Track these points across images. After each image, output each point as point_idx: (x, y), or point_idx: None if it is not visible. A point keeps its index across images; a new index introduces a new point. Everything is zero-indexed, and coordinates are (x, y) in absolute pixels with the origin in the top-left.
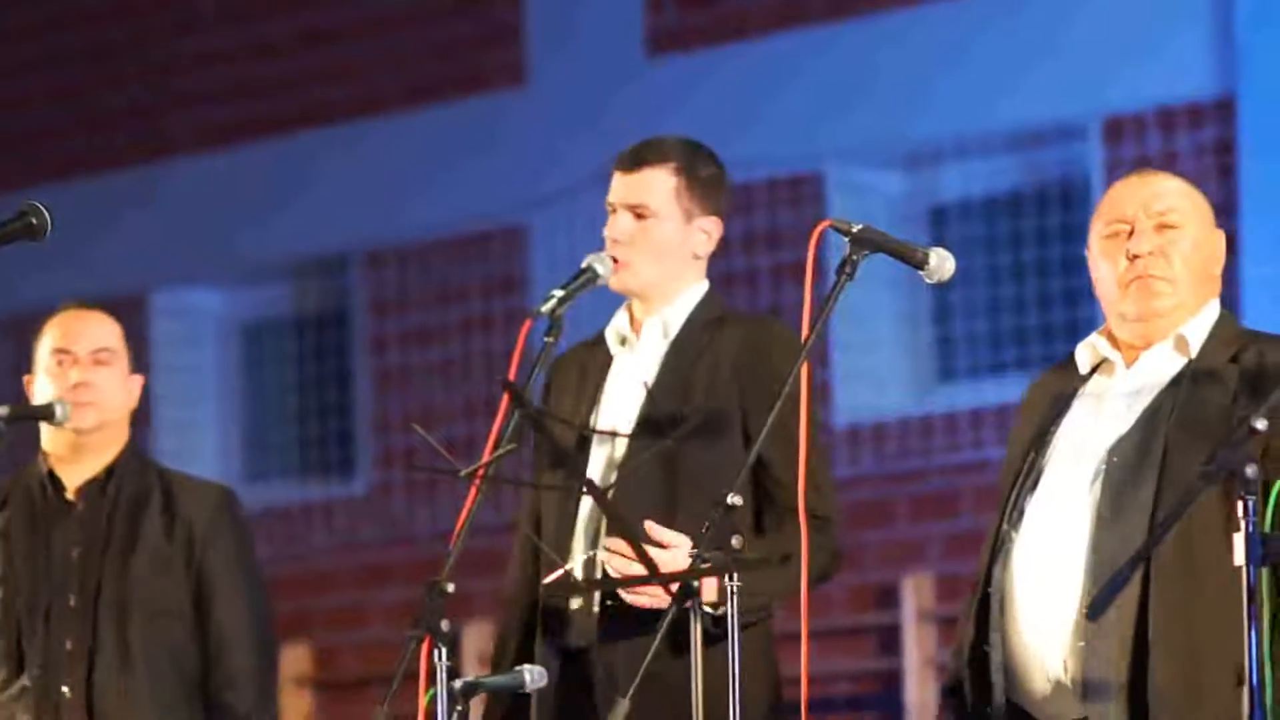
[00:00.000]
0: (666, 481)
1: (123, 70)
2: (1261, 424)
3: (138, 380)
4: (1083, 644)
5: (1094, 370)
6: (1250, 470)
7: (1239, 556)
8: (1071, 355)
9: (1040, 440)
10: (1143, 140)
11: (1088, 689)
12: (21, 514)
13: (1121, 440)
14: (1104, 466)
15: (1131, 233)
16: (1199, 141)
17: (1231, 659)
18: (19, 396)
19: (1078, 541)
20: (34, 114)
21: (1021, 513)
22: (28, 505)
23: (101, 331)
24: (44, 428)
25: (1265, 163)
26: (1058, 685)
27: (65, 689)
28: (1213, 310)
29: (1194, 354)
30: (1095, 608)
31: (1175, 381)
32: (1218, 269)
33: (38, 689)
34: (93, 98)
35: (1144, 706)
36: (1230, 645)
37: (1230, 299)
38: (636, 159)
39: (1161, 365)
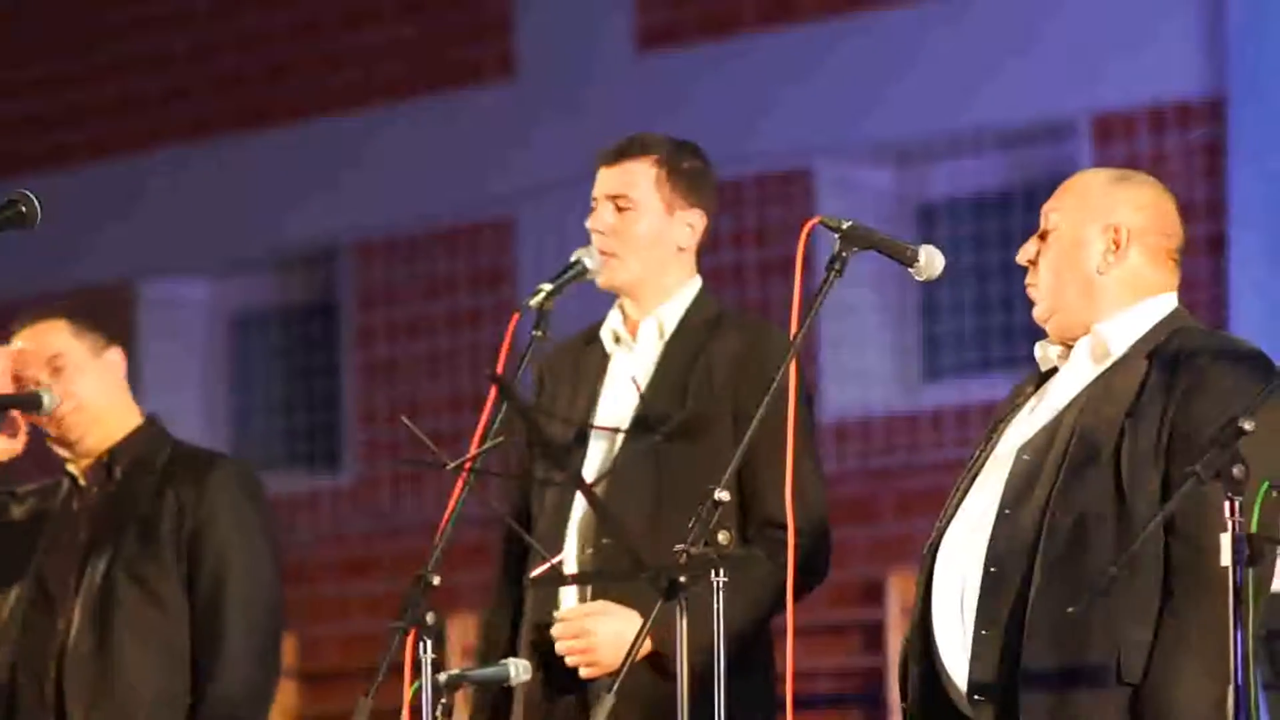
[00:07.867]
0: (652, 479)
1: (112, 62)
2: (1249, 424)
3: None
4: (973, 642)
5: (1052, 371)
6: (1237, 470)
7: (1226, 557)
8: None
9: (987, 442)
10: (1132, 139)
11: (977, 685)
12: (54, 517)
13: (1032, 438)
14: (1013, 464)
15: None
16: (1188, 140)
17: (1112, 655)
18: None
19: (980, 537)
20: (21, 103)
21: (954, 512)
22: (62, 507)
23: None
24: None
25: (1254, 163)
26: (961, 683)
27: (75, 668)
28: (1152, 305)
29: (1114, 352)
30: (1080, 608)
31: (1096, 379)
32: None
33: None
34: (81, 88)
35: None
36: (1112, 641)
37: (1218, 298)
38: (619, 152)
39: (1081, 364)
